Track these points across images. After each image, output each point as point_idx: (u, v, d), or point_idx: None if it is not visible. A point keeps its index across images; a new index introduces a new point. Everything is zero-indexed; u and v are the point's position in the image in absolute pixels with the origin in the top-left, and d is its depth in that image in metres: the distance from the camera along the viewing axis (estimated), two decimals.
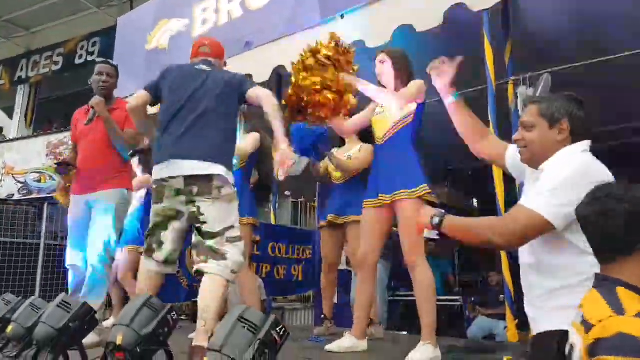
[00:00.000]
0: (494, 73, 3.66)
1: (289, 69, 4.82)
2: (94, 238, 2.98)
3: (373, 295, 2.80)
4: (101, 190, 3.02)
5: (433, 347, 2.43)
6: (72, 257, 3.07)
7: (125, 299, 4.23)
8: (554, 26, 4.41)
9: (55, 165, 3.20)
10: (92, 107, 3.06)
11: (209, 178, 2.29)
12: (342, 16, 4.50)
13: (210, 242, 2.27)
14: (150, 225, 2.39)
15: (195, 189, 2.28)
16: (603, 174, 1.45)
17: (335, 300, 3.91)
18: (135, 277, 4.07)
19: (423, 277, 2.54)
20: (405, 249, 2.57)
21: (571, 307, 1.23)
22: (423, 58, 4.86)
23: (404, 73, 2.82)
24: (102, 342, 2.80)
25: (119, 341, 1.71)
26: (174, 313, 1.96)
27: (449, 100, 1.90)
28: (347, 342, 2.68)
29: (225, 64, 2.84)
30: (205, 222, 2.28)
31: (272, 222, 5.77)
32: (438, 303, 6.10)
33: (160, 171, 2.37)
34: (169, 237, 2.36)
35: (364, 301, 2.76)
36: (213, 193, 2.28)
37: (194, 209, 2.29)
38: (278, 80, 5.52)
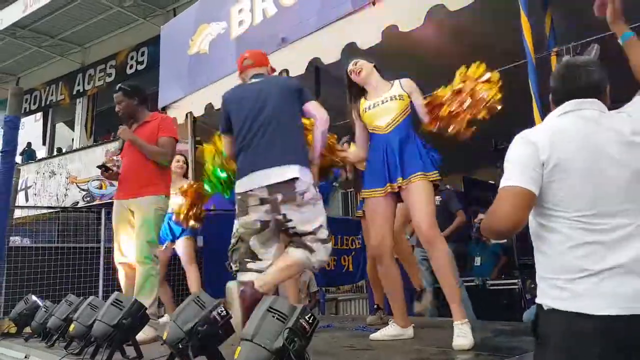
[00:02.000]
0: (532, 45, 3.50)
1: (324, 60, 4.90)
2: (138, 239, 3.16)
3: (400, 281, 2.76)
4: (140, 197, 3.22)
5: (468, 323, 2.40)
6: (118, 256, 3.28)
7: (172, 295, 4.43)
8: None
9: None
10: (119, 136, 3.37)
11: (290, 184, 2.41)
12: (373, 3, 4.44)
13: (302, 239, 2.44)
14: (235, 239, 2.53)
15: (279, 197, 2.41)
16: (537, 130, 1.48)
17: None
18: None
19: (443, 252, 2.52)
20: (423, 225, 2.54)
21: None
22: (458, 37, 4.76)
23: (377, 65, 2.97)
24: (157, 338, 2.95)
25: None
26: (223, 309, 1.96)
27: (623, 39, 1.81)
28: (392, 330, 2.68)
29: (273, 70, 2.97)
30: (294, 227, 2.44)
31: None
32: (495, 287, 5.98)
33: (242, 185, 2.52)
34: (264, 249, 2.50)
35: (393, 290, 2.75)
36: (297, 200, 2.40)
37: (280, 217, 2.43)
38: (316, 73, 5.54)
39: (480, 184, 8.53)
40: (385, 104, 2.78)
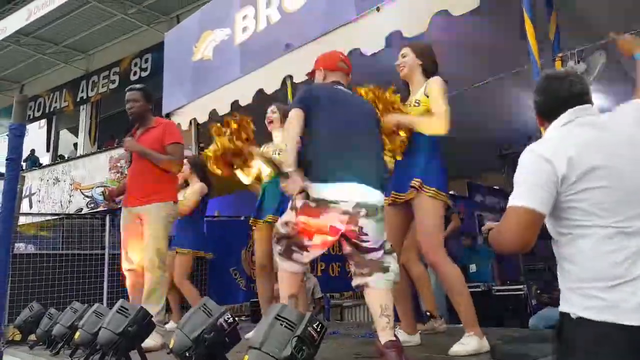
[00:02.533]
0: (537, 50, 3.50)
1: None
2: (147, 247, 3.15)
3: (407, 288, 2.74)
4: (149, 204, 3.20)
5: (478, 337, 2.37)
6: (125, 264, 3.26)
7: (181, 301, 4.40)
8: None
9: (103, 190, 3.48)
10: (126, 150, 3.39)
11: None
12: (377, 9, 4.45)
13: (371, 256, 2.26)
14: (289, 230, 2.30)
15: (363, 212, 2.21)
16: (541, 146, 1.43)
17: None
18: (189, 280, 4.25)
19: (447, 273, 2.48)
20: (424, 248, 2.53)
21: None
22: (463, 42, 4.76)
23: (428, 62, 2.74)
24: (164, 345, 2.93)
25: None
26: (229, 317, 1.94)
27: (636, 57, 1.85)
28: (399, 337, 2.65)
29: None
30: (367, 241, 2.24)
31: None
32: (500, 293, 5.94)
33: (329, 192, 2.21)
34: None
35: (400, 296, 2.71)
36: (378, 215, 2.24)
37: (355, 228, 2.22)
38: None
39: (484, 189, 8.52)
40: (409, 108, 2.65)
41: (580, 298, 1.34)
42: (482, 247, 6.66)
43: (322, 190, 2.20)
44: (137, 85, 3.50)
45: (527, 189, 1.39)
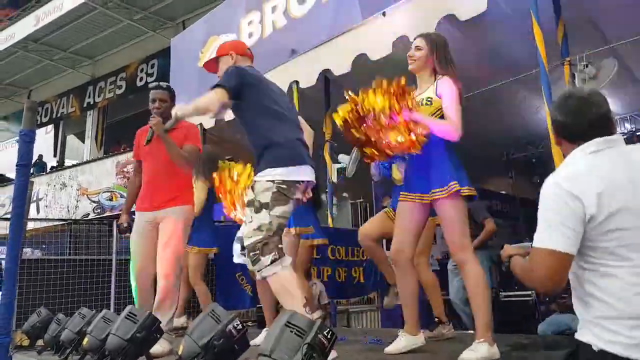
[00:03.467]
0: (545, 54, 3.49)
1: (335, 72, 4.91)
2: (165, 252, 3.06)
3: (416, 289, 2.71)
4: (167, 208, 3.13)
5: (489, 345, 2.34)
6: (137, 269, 3.16)
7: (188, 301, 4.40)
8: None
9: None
10: (151, 127, 3.13)
11: None
12: (383, 14, 4.46)
13: None
14: (268, 232, 2.31)
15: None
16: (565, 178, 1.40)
17: None
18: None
19: (474, 274, 2.45)
20: (453, 248, 2.49)
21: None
22: (470, 47, 4.75)
23: (442, 53, 2.63)
24: (172, 351, 2.92)
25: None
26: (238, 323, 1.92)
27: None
28: (403, 342, 2.63)
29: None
30: None
31: (330, 225, 5.79)
32: (509, 299, 5.91)
33: (294, 173, 2.40)
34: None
35: (408, 296, 2.68)
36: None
37: None
38: (325, 84, 5.56)
39: (491, 194, 8.48)
40: (421, 107, 2.54)
41: (605, 332, 1.34)
42: (481, 252, 6.61)
43: (292, 173, 2.40)
44: (163, 84, 3.37)
45: (555, 229, 1.36)
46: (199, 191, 4.09)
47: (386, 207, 3.63)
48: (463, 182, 2.47)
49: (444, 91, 2.54)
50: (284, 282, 2.28)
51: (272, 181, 2.37)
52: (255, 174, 2.50)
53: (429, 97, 2.56)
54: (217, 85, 2.42)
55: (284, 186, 2.37)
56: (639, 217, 1.33)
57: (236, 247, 2.60)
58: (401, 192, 2.68)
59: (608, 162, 1.40)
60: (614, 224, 1.33)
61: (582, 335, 1.39)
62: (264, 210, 2.33)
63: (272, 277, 2.27)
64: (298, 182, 2.42)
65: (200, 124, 6.44)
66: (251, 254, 2.27)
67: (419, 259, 2.99)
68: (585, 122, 1.46)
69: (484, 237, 5.11)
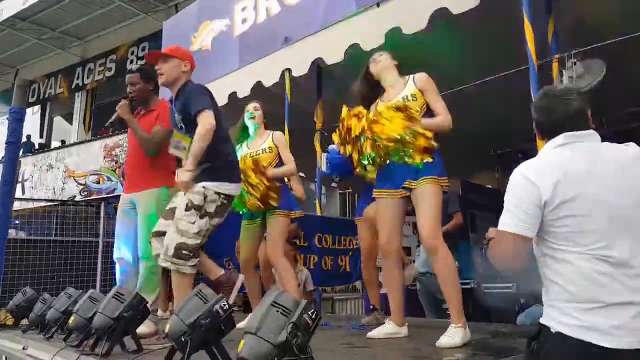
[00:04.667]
0: (535, 51, 3.54)
1: (327, 61, 4.92)
2: (141, 235, 3.10)
3: (402, 281, 2.78)
4: (141, 190, 3.17)
5: (463, 329, 2.42)
6: (115, 252, 3.22)
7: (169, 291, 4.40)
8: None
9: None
10: (116, 110, 3.22)
11: None
12: (377, 4, 4.48)
13: None
14: (203, 238, 2.65)
15: None
16: (527, 170, 1.50)
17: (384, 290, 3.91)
18: None
19: (444, 259, 2.52)
20: (424, 232, 2.55)
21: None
22: (462, 40, 4.78)
23: (399, 64, 2.87)
24: (157, 332, 2.96)
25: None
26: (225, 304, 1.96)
27: None
28: (388, 328, 2.70)
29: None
30: None
31: (318, 213, 5.83)
32: (490, 290, 6.02)
33: (236, 189, 2.77)
34: None
35: (395, 287, 2.76)
36: None
37: None
38: (318, 73, 5.57)
39: (478, 187, 8.57)
40: (408, 102, 2.64)
41: (560, 315, 1.42)
42: (465, 245, 6.71)
43: (235, 190, 2.74)
44: (138, 67, 3.43)
45: (515, 214, 1.47)
46: None
47: None
48: (442, 174, 2.58)
49: (426, 86, 2.69)
50: (188, 282, 2.59)
51: (219, 194, 2.64)
52: (196, 181, 2.62)
53: (412, 94, 2.67)
54: (201, 110, 2.58)
55: (226, 201, 2.68)
56: (592, 205, 1.41)
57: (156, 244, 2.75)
58: (378, 190, 2.74)
59: (570, 154, 1.48)
60: (567, 211, 1.41)
61: (544, 318, 1.47)
62: (206, 218, 2.62)
63: (185, 276, 2.58)
64: (233, 197, 2.76)
65: None
66: (184, 252, 2.54)
67: None
68: (556, 120, 1.54)
69: (448, 228, 5.14)
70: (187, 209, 2.59)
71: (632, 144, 1.52)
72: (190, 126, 2.66)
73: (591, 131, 1.53)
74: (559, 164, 1.46)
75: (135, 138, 3.21)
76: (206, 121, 2.55)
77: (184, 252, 2.55)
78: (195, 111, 2.58)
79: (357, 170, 2.85)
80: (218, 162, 2.66)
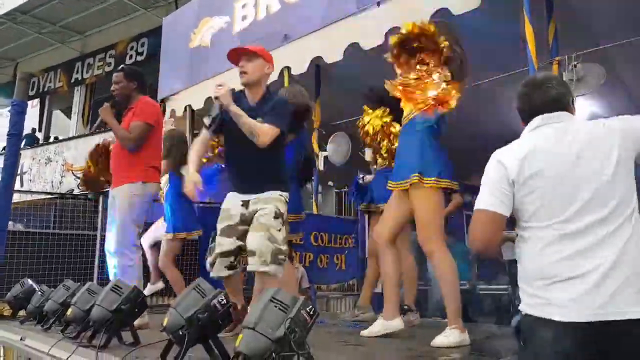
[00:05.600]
0: (535, 53, 3.56)
1: (327, 59, 4.93)
2: (113, 229, 3.19)
3: (397, 275, 2.80)
4: (118, 186, 3.24)
5: (459, 331, 2.44)
6: (107, 243, 3.30)
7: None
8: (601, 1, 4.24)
9: None
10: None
11: None
12: (378, 4, 4.49)
13: None
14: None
15: None
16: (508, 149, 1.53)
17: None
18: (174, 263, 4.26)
19: (443, 263, 2.54)
20: (420, 237, 2.59)
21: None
22: (460, 41, 4.79)
23: None
24: (148, 324, 2.99)
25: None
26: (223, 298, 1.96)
27: None
28: (378, 326, 2.71)
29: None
30: None
31: (315, 212, 5.85)
32: (485, 292, 6.04)
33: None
34: None
35: (388, 281, 2.77)
36: None
37: None
38: (316, 72, 5.58)
39: (473, 188, 8.60)
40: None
41: (526, 296, 1.44)
42: (459, 246, 6.73)
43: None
44: (122, 66, 3.47)
45: (488, 192, 1.51)
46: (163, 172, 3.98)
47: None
48: (431, 174, 2.55)
49: None
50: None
51: (286, 202, 2.70)
52: (261, 192, 2.68)
53: None
54: (275, 126, 2.61)
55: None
56: (551, 181, 1.43)
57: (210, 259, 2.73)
58: (390, 182, 2.79)
59: (542, 134, 1.52)
60: (528, 189, 1.45)
61: (520, 303, 1.49)
62: (284, 226, 2.65)
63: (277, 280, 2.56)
64: None
65: (189, 105, 6.44)
66: (280, 257, 2.56)
67: (401, 244, 3.07)
68: (531, 105, 1.58)
69: (450, 209, 5.13)
70: (276, 217, 2.60)
71: (619, 117, 1.51)
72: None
73: (566, 112, 1.55)
74: (528, 144, 1.50)
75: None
76: (269, 137, 2.58)
77: (280, 257, 2.56)
78: (271, 124, 2.60)
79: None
80: (280, 174, 2.75)
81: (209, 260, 2.74)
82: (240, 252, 2.67)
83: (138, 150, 3.22)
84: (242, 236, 2.64)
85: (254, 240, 2.54)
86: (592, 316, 1.32)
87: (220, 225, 2.70)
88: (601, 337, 1.32)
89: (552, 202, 1.42)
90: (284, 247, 2.60)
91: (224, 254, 2.64)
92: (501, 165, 1.49)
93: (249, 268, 2.57)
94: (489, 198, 1.50)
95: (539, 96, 1.57)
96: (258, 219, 2.59)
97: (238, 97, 2.75)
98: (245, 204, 2.69)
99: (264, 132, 2.57)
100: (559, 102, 1.56)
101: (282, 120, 2.65)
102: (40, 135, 14.31)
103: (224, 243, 2.64)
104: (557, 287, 1.37)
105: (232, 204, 2.72)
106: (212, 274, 2.68)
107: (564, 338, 1.33)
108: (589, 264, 1.35)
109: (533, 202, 1.44)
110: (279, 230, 2.59)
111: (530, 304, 1.42)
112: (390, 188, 2.74)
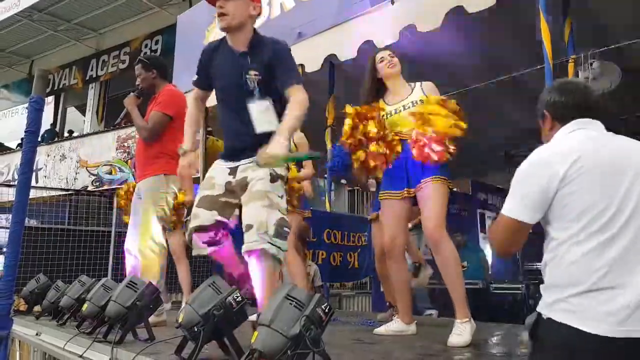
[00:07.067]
0: (551, 52, 3.51)
1: (340, 57, 4.92)
2: (136, 225, 3.16)
3: (407, 277, 2.81)
4: (142, 179, 3.22)
5: (470, 323, 2.43)
6: (127, 241, 3.22)
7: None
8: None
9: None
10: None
11: None
12: (392, 1, 4.46)
13: None
14: None
15: None
16: (554, 148, 1.48)
17: None
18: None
19: (449, 252, 2.54)
20: (430, 224, 2.56)
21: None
22: (477, 40, 4.76)
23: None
24: (162, 322, 3.00)
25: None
26: (238, 295, 1.95)
27: None
28: (396, 326, 2.72)
29: None
30: None
31: (328, 209, 5.85)
32: (499, 291, 6.00)
33: None
34: None
35: (401, 285, 2.78)
36: None
37: None
38: (330, 69, 5.57)
39: (487, 187, 8.56)
40: (407, 110, 2.71)
41: (551, 300, 1.39)
42: (473, 245, 6.70)
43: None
44: (139, 58, 3.40)
45: (520, 198, 1.46)
46: None
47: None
48: (444, 174, 2.64)
49: (434, 94, 2.73)
50: (277, 275, 2.26)
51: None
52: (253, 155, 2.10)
53: (421, 99, 2.72)
54: (297, 82, 2.22)
55: None
56: (591, 189, 1.38)
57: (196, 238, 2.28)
58: (382, 191, 2.79)
59: (579, 139, 1.48)
60: (574, 188, 1.39)
61: (539, 304, 1.46)
62: (285, 194, 2.25)
63: (279, 265, 2.17)
64: None
65: None
66: (285, 229, 2.11)
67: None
68: (575, 103, 1.55)
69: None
70: (273, 179, 2.14)
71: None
72: (266, 92, 2.24)
73: (599, 122, 1.53)
74: (570, 148, 1.45)
75: None
76: (304, 94, 2.16)
77: (285, 229, 2.10)
78: (291, 85, 2.18)
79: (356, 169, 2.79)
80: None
81: (186, 236, 2.34)
82: (221, 228, 2.23)
83: (159, 142, 3.18)
84: (224, 210, 2.20)
85: (250, 211, 2.09)
86: (625, 332, 1.28)
87: (199, 195, 2.25)
88: (630, 355, 1.28)
89: (597, 206, 1.37)
90: (289, 218, 2.18)
91: (200, 229, 2.20)
92: (547, 166, 1.42)
93: (244, 248, 2.09)
94: (519, 205, 1.45)
95: (581, 96, 1.56)
96: (252, 188, 2.12)
97: (218, 46, 2.38)
98: (233, 171, 2.24)
99: (303, 102, 2.15)
100: (596, 107, 1.56)
101: (297, 71, 2.27)
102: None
103: (200, 215, 2.19)
104: (591, 296, 1.32)
105: (217, 171, 2.29)
106: (193, 252, 2.30)
107: (588, 351, 1.30)
108: (628, 276, 1.32)
109: (576, 205, 1.39)
110: (281, 196, 2.15)
111: (557, 309, 1.37)
112: (392, 197, 2.73)
